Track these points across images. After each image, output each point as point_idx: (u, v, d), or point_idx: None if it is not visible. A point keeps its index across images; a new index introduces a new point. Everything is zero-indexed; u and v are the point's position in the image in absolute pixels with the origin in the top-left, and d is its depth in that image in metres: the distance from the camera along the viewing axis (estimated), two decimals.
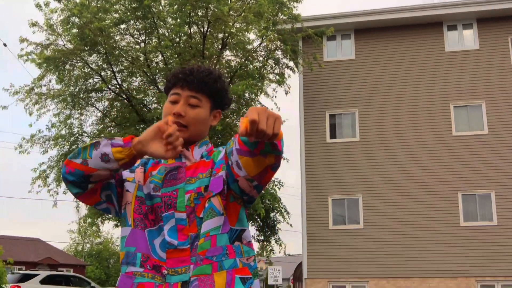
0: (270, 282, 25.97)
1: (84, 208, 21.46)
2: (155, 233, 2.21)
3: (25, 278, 23.42)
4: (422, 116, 21.44)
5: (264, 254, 23.48)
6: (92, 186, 2.21)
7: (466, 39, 22.15)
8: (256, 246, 24.85)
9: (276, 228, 22.82)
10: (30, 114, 19.40)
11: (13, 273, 24.16)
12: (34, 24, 18.19)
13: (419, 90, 21.72)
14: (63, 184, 20.16)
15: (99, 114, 21.01)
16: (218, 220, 2.16)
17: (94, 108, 20.77)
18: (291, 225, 23.07)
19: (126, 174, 2.36)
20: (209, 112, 2.37)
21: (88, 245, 51.94)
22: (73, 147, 20.12)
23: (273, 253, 24.18)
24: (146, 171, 2.35)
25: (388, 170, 21.15)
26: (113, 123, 20.67)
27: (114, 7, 18.50)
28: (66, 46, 18.65)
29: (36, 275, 23.84)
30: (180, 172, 2.28)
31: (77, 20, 17.91)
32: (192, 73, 2.33)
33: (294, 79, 22.24)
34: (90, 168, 2.13)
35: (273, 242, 23.25)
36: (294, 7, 19.09)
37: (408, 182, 20.87)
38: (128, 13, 18.60)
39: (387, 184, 21.03)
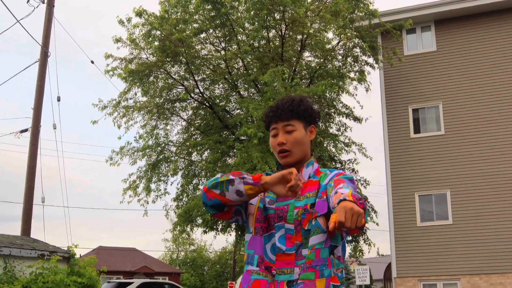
0: (357, 282, 25.74)
1: (173, 216, 21.88)
2: (266, 239, 2.72)
3: (120, 286, 24.06)
4: (509, 105, 20.79)
5: (357, 255, 23.13)
6: (227, 208, 2.75)
7: None
8: (347, 248, 24.57)
9: (364, 227, 22.41)
10: (119, 127, 19.92)
11: (109, 282, 24.99)
12: (118, 40, 18.81)
13: (505, 79, 21.05)
14: (152, 194, 20.65)
15: (184, 123, 21.44)
16: (322, 237, 2.63)
17: (178, 117, 21.21)
18: (377, 224, 22.61)
19: None
20: (304, 131, 2.85)
21: (182, 253, 52.84)
22: (160, 156, 20.59)
23: (362, 253, 23.84)
24: None
25: (475, 162, 20.61)
26: (197, 131, 21.08)
27: (193, 17, 18.93)
28: (149, 59, 19.18)
29: (131, 283, 24.52)
30: None
31: (158, 33, 18.41)
32: (278, 107, 2.84)
33: (375, 76, 22.21)
34: (227, 199, 2.66)
35: (361, 242, 22.90)
36: (371, 2, 18.96)
37: (497, 174, 20.27)
38: (207, 22, 18.96)
39: (475, 178, 20.51)
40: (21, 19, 17.74)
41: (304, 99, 2.88)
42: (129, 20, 18.68)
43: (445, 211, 20.78)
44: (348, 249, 23.82)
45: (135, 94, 20.01)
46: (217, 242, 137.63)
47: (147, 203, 20.57)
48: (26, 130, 18.60)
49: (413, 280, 20.64)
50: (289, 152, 2.79)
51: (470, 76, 21.49)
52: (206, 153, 20.69)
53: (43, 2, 18.17)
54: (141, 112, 20.08)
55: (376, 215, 21.99)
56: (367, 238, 22.37)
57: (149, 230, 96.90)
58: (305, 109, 2.85)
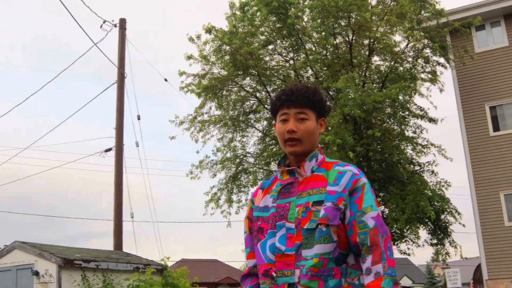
0: (449, 285, 25.16)
1: None
2: (267, 241, 2.63)
3: None
4: None
5: (440, 258, 22.50)
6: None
7: None
8: (430, 250, 24.03)
9: (449, 230, 21.89)
10: (196, 141, 20.38)
11: None
12: (189, 57, 19.40)
13: None
14: (234, 205, 20.99)
15: (260, 134, 21.74)
16: (331, 246, 2.51)
17: (254, 129, 21.55)
18: (464, 226, 21.90)
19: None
20: (316, 122, 2.68)
21: None
22: (239, 168, 20.93)
23: (449, 256, 23.25)
24: (263, 192, 2.80)
25: None
26: (273, 141, 21.32)
27: (260, 30, 19.29)
28: (220, 73, 19.66)
29: None
30: (293, 186, 2.64)
31: (227, 47, 18.87)
32: (293, 92, 2.66)
33: (447, 75, 21.50)
34: None
35: (447, 245, 22.34)
36: (437, 2, 18.70)
37: None
38: (274, 34, 19.27)
39: None
40: (97, 42, 18.47)
41: (318, 89, 2.74)
42: (198, 37, 19.27)
43: None
44: (430, 252, 23.24)
45: (210, 108, 20.50)
46: None
47: (230, 214, 20.89)
48: (110, 150, 19.20)
49: (506, 281, 20.04)
50: (298, 141, 2.62)
51: None
52: None
53: (115, 26, 18.92)
54: (217, 125, 20.52)
55: (460, 217, 21.46)
56: (453, 240, 21.80)
57: (228, 241, 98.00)
58: (320, 99, 2.70)
